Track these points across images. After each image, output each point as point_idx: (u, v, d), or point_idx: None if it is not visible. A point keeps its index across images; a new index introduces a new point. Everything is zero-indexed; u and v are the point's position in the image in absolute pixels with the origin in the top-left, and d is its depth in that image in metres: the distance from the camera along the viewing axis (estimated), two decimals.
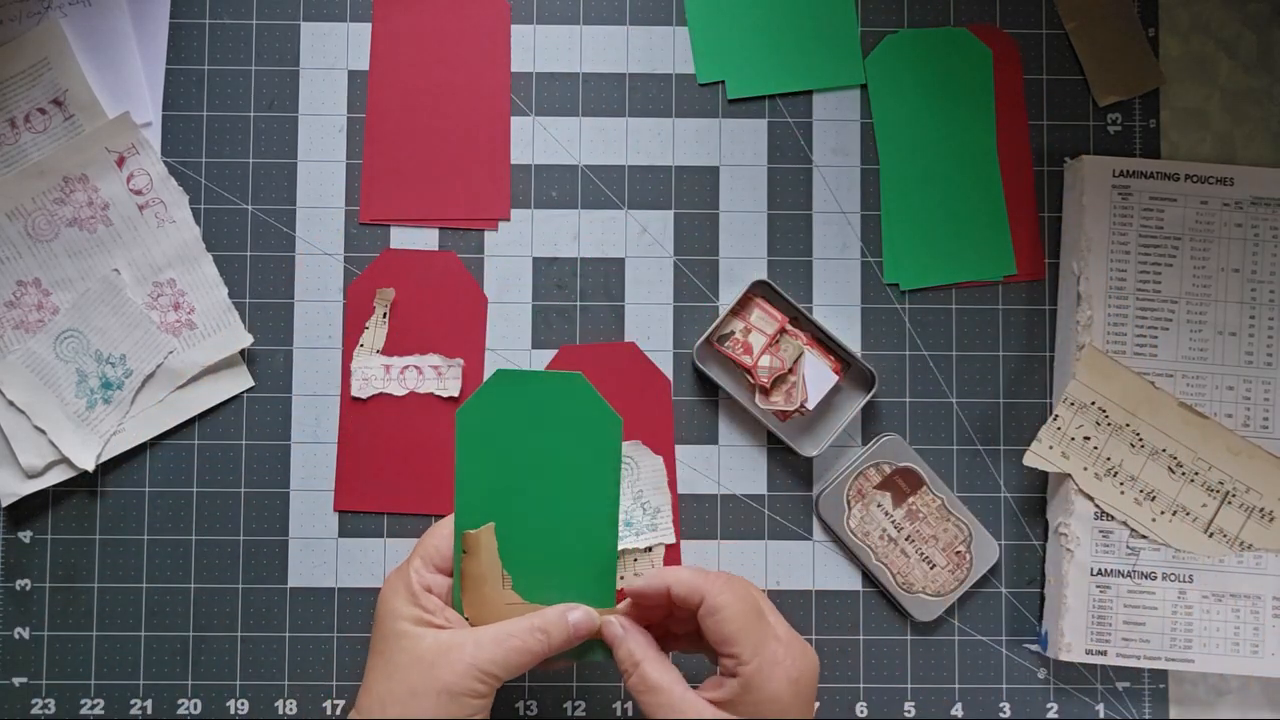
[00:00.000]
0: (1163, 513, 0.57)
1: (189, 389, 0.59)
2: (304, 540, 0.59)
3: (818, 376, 0.57)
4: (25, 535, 0.58)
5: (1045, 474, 0.59)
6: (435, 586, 0.49)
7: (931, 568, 0.58)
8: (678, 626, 0.50)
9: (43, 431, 0.57)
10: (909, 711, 0.59)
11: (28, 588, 0.58)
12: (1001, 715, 0.59)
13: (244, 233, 0.60)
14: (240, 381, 0.59)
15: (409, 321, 0.59)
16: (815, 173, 0.60)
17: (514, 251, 0.60)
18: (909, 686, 0.59)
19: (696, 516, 0.59)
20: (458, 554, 0.49)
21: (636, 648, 0.48)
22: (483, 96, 0.60)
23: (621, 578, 0.58)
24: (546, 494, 0.49)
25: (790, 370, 0.57)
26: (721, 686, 0.47)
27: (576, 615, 0.48)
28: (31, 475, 0.57)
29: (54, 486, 0.58)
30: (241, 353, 0.59)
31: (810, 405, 0.57)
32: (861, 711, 0.59)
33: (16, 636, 0.58)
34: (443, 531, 0.50)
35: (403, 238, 0.60)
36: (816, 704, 0.51)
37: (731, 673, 0.47)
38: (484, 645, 0.46)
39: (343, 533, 0.59)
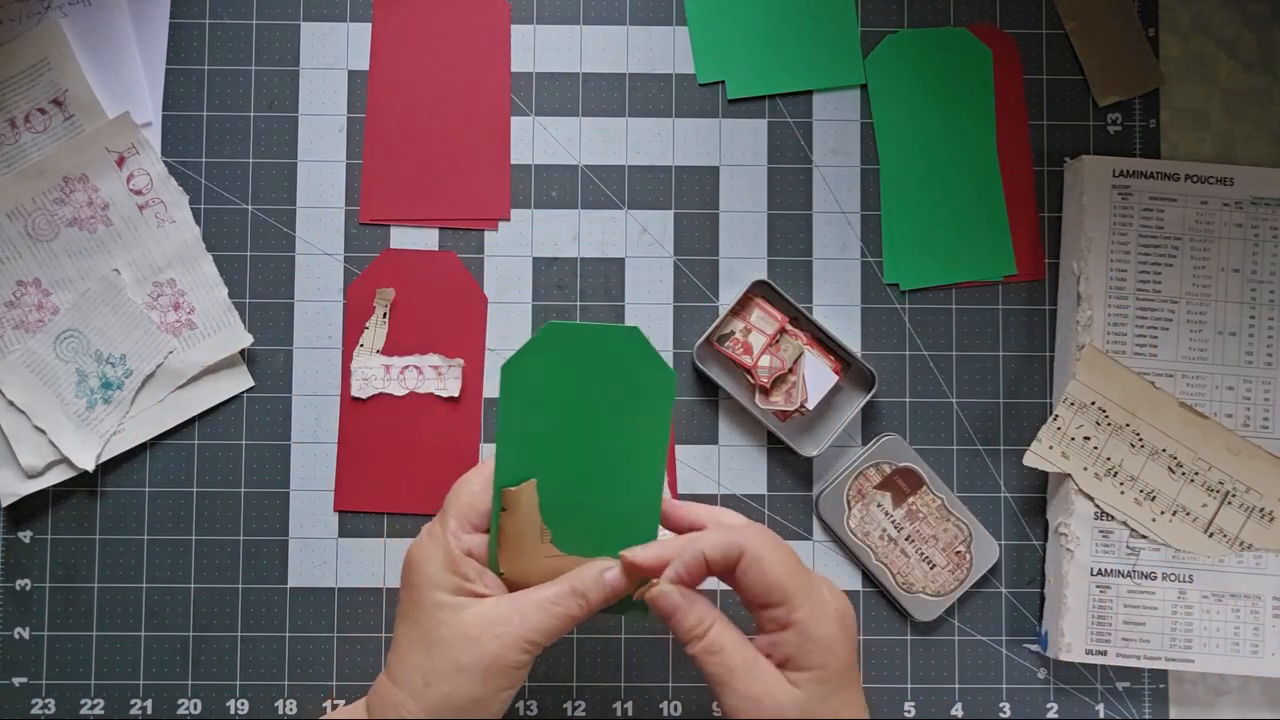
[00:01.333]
0: (1163, 513, 0.57)
1: (189, 389, 0.59)
2: (304, 540, 0.59)
3: (818, 376, 0.57)
4: (25, 535, 0.58)
5: (1045, 474, 0.59)
6: (474, 549, 0.47)
7: (931, 568, 0.58)
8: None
9: (43, 431, 0.57)
10: (909, 711, 0.59)
11: (28, 588, 0.58)
12: (1001, 715, 0.59)
13: (244, 233, 0.60)
14: (240, 381, 0.59)
15: (409, 321, 0.59)
16: (815, 173, 0.60)
17: (514, 251, 0.60)
18: (909, 686, 0.59)
19: None
20: (496, 511, 0.47)
21: (706, 611, 0.45)
22: (483, 96, 0.60)
23: None
24: (592, 449, 0.48)
25: (790, 370, 0.57)
26: (777, 645, 0.44)
27: (612, 575, 0.46)
28: (31, 475, 0.57)
29: (54, 486, 0.58)
30: (241, 353, 0.59)
31: (810, 405, 0.57)
32: None
33: (16, 636, 0.58)
34: (474, 487, 0.48)
35: (403, 238, 0.60)
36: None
37: (783, 624, 0.44)
38: (528, 615, 0.44)
39: (343, 533, 0.59)
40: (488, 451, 0.59)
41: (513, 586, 0.47)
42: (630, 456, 0.48)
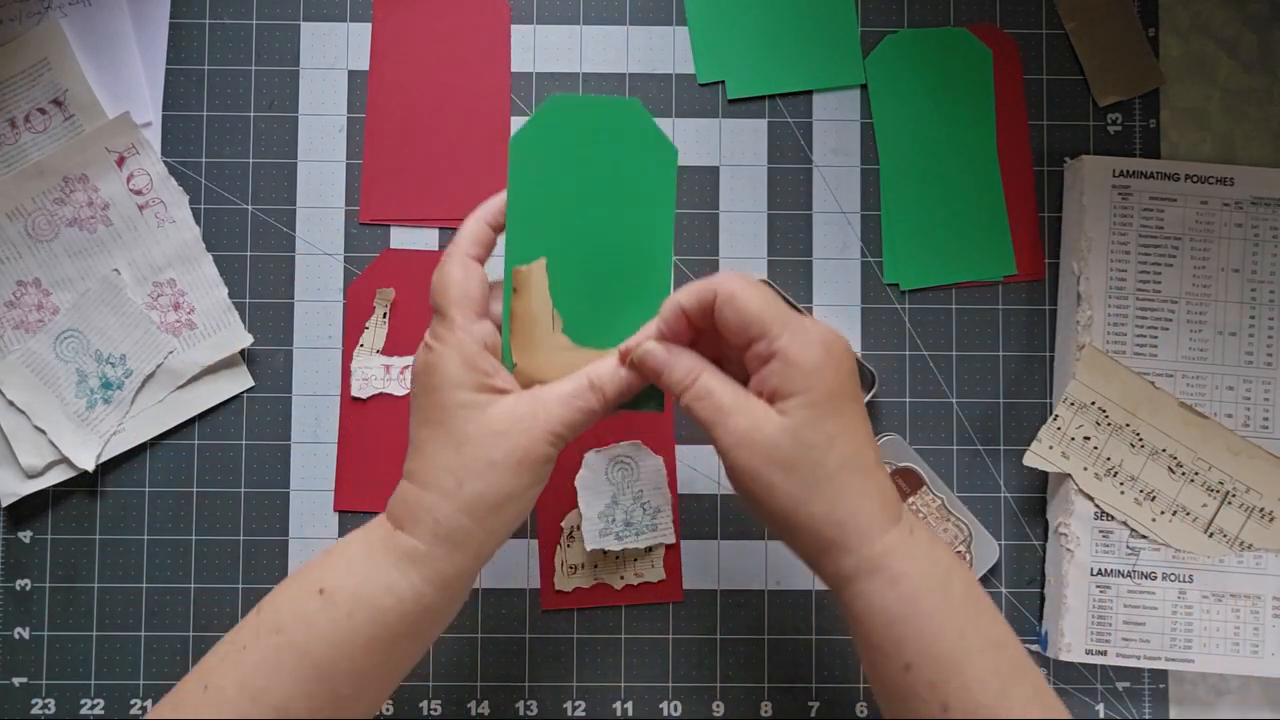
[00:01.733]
0: (1163, 513, 0.57)
1: (189, 389, 0.59)
2: (304, 540, 0.59)
3: None
4: (25, 535, 0.58)
5: (1045, 474, 0.59)
6: (487, 339, 0.45)
7: None
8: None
9: (43, 431, 0.57)
10: None
11: (28, 588, 0.58)
12: None
13: (244, 233, 0.60)
14: (240, 381, 0.59)
15: (409, 321, 0.59)
16: (815, 173, 0.60)
17: None
18: None
19: (696, 516, 0.59)
20: (507, 297, 0.47)
21: (692, 361, 0.45)
22: (483, 96, 0.60)
23: (622, 577, 0.58)
24: (599, 227, 0.47)
25: None
26: (764, 379, 0.43)
27: (627, 370, 0.45)
28: (31, 475, 0.57)
29: (54, 486, 0.58)
30: (242, 353, 0.59)
31: None
32: (862, 711, 0.59)
33: (16, 636, 0.58)
34: (455, 275, 0.45)
35: (403, 238, 0.60)
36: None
37: (766, 357, 0.43)
38: (551, 409, 0.44)
39: (343, 533, 0.59)
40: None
41: (526, 383, 0.46)
42: (637, 236, 0.47)
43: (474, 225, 0.47)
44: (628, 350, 0.45)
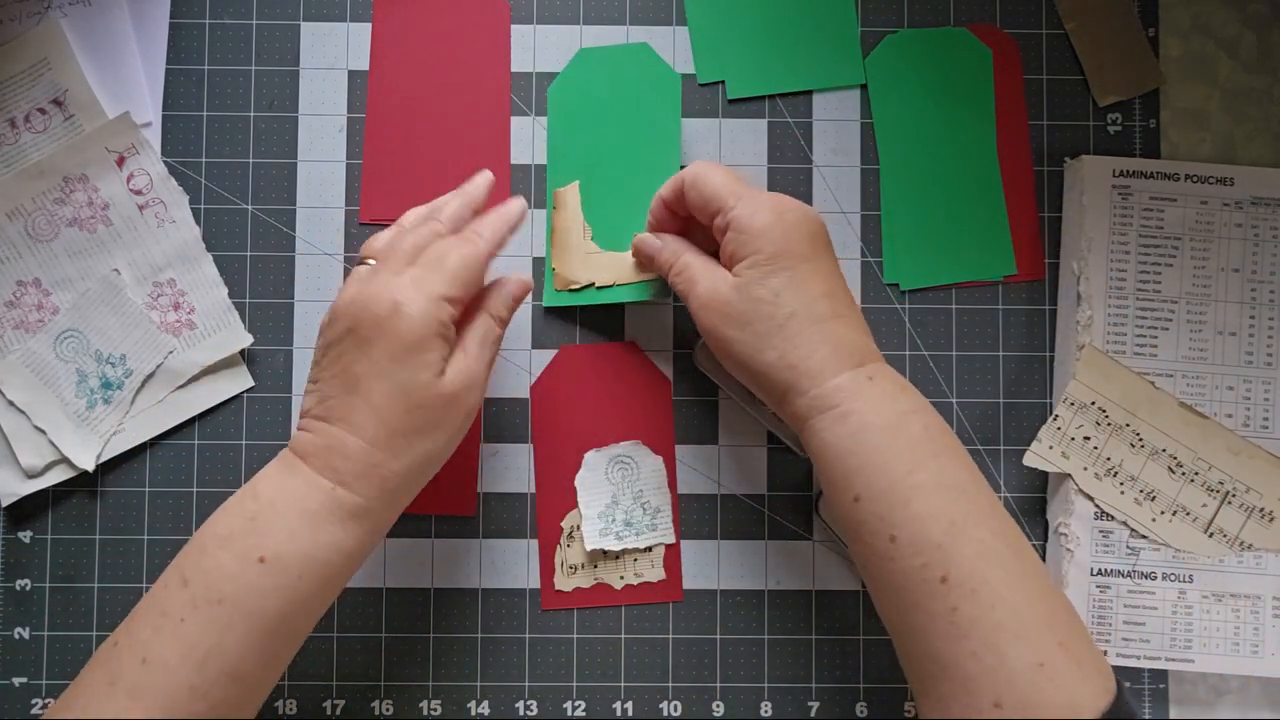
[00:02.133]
0: (1163, 513, 0.57)
1: (189, 389, 0.59)
2: None
3: None
4: (25, 535, 0.58)
5: (1045, 474, 0.59)
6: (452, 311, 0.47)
7: None
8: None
9: (43, 431, 0.57)
10: (909, 711, 0.59)
11: (28, 588, 0.58)
12: None
13: (244, 233, 0.60)
14: (240, 381, 0.59)
15: None
16: (815, 173, 0.60)
17: (514, 251, 0.60)
18: (909, 686, 0.59)
19: (696, 516, 0.59)
20: (549, 211, 0.58)
21: (676, 244, 0.52)
22: (483, 96, 0.60)
23: (621, 577, 0.58)
24: (621, 152, 0.58)
25: None
26: (725, 248, 0.49)
27: (511, 284, 0.52)
28: (31, 475, 0.57)
29: (54, 486, 0.58)
30: (242, 353, 0.59)
31: None
32: (862, 711, 0.59)
33: (16, 636, 0.58)
34: (471, 268, 0.48)
35: None
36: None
37: (724, 228, 0.49)
38: (483, 356, 0.48)
39: None
40: (488, 452, 0.59)
41: (563, 285, 0.58)
42: (651, 154, 0.58)
43: (459, 208, 0.51)
44: (635, 242, 0.54)
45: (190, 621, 0.43)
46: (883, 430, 0.45)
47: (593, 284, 0.58)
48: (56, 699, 0.45)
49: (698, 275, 0.50)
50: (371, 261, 0.48)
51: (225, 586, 0.43)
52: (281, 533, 0.44)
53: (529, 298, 0.60)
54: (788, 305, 0.46)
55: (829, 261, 0.49)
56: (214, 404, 0.59)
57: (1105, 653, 0.57)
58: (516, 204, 0.52)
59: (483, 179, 0.53)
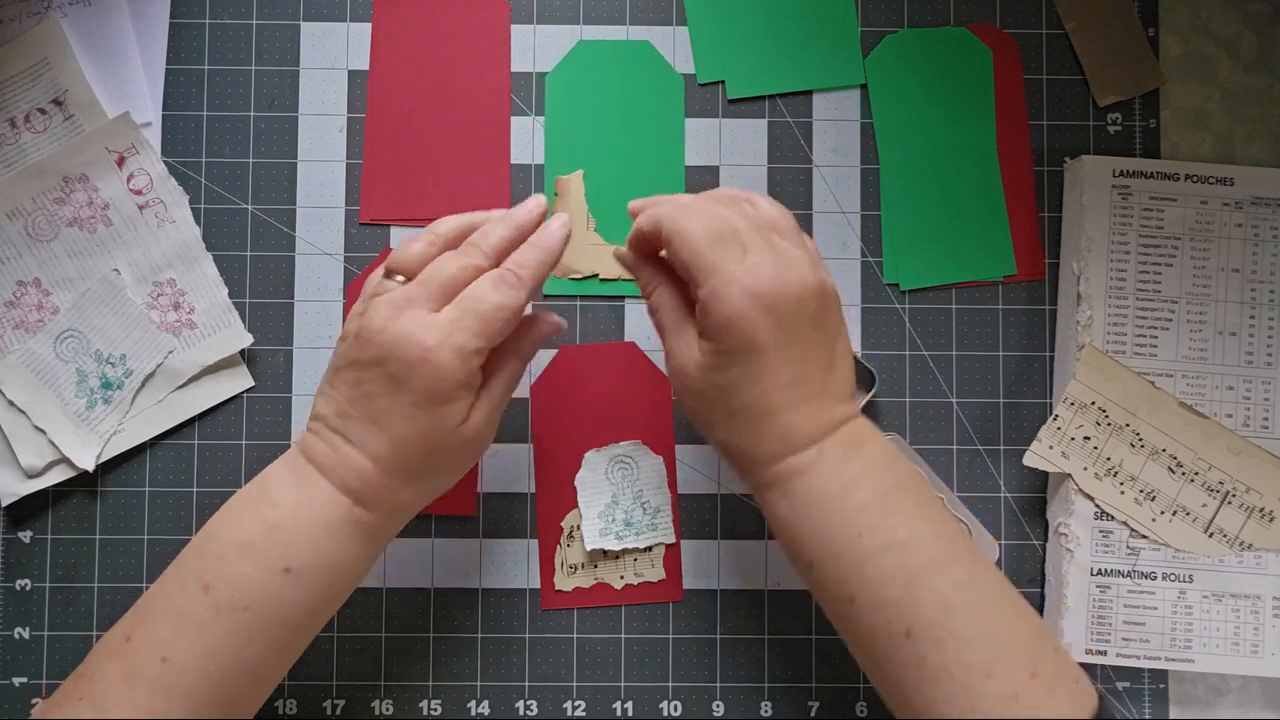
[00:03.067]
0: (1163, 513, 0.57)
1: (189, 389, 0.59)
2: None
3: None
4: (25, 535, 0.58)
5: (1045, 474, 0.59)
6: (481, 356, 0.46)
7: None
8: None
9: (43, 431, 0.57)
10: None
11: (28, 588, 0.58)
12: None
13: (244, 233, 0.60)
14: (240, 381, 0.59)
15: None
16: (815, 173, 0.60)
17: None
18: None
19: (696, 516, 0.59)
20: (550, 199, 0.58)
21: (650, 274, 0.49)
22: (483, 96, 0.60)
23: (622, 577, 0.58)
24: (623, 150, 0.59)
25: None
26: (699, 312, 0.45)
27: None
28: (31, 475, 0.57)
29: (54, 486, 0.58)
30: (241, 353, 0.59)
31: None
32: (862, 711, 0.59)
33: (16, 636, 0.58)
34: (508, 319, 0.46)
35: (403, 238, 0.60)
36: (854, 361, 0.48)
37: (696, 296, 0.45)
38: (500, 395, 0.48)
39: None
40: (488, 451, 0.59)
41: (561, 269, 0.58)
42: (654, 150, 0.59)
43: (502, 240, 0.48)
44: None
45: (213, 626, 0.44)
46: (828, 500, 0.44)
47: (596, 275, 0.58)
48: (58, 688, 0.45)
49: (668, 326, 0.47)
50: (400, 279, 0.47)
51: (250, 595, 0.44)
52: (305, 545, 0.45)
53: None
54: (741, 396, 0.44)
55: (812, 338, 0.45)
56: (214, 404, 0.59)
57: (1105, 653, 0.57)
58: (558, 228, 0.48)
59: (535, 205, 0.49)
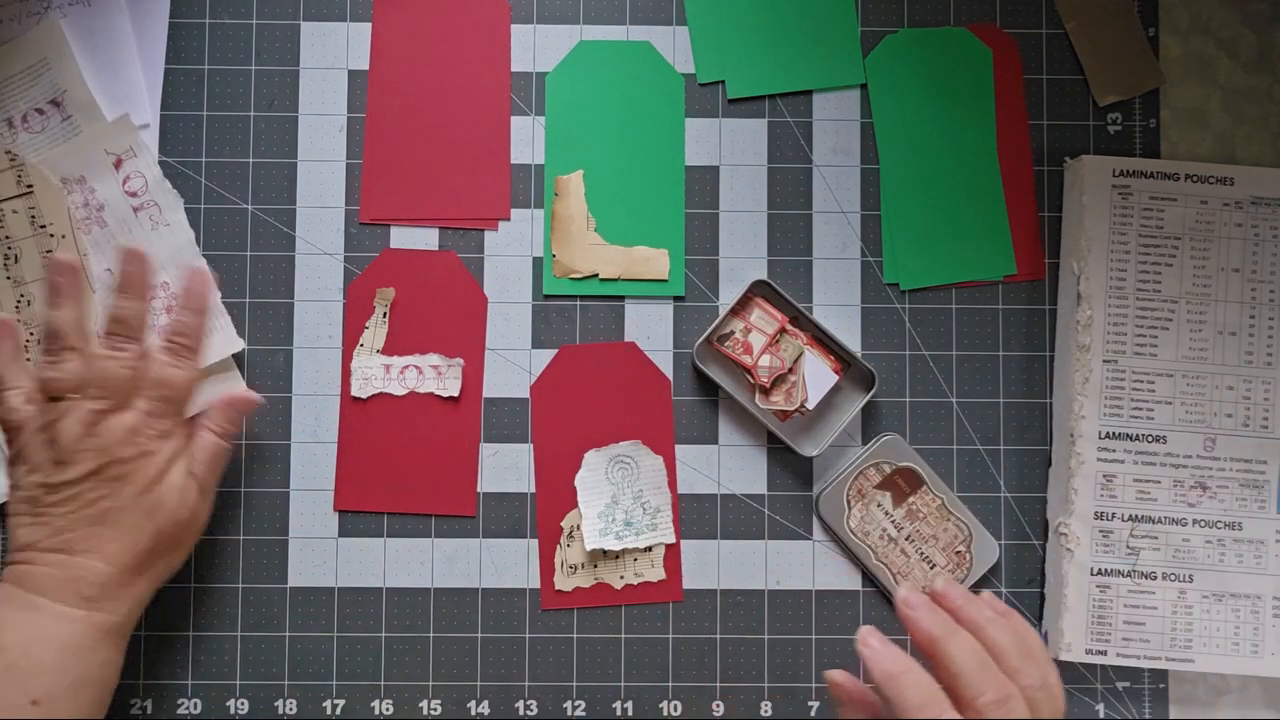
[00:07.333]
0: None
1: None
2: (304, 540, 0.59)
3: (818, 376, 0.57)
4: None
5: (1045, 474, 0.59)
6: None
7: (931, 567, 0.58)
8: None
9: None
10: None
11: None
12: None
13: (244, 233, 0.59)
14: (232, 385, 0.59)
15: (409, 321, 0.59)
16: (815, 173, 0.60)
17: (514, 251, 0.60)
18: None
19: (696, 516, 0.59)
20: (549, 198, 0.58)
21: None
22: (483, 96, 0.60)
23: (622, 577, 0.58)
24: (623, 150, 0.59)
25: (790, 370, 0.57)
26: None
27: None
28: None
29: None
30: (240, 354, 0.59)
31: (810, 405, 0.57)
32: None
33: None
34: (192, 390, 0.54)
35: (403, 238, 0.60)
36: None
37: None
38: (209, 480, 0.54)
39: (343, 532, 0.59)
40: (488, 451, 0.59)
41: (563, 273, 0.59)
42: (654, 151, 0.59)
43: (137, 316, 0.54)
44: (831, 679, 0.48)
45: None
46: None
47: (596, 275, 0.58)
48: None
49: None
50: (74, 397, 0.50)
51: None
52: (48, 674, 0.47)
53: (528, 293, 0.60)
54: None
55: None
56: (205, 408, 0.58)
57: (1105, 652, 0.57)
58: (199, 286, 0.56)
59: (139, 272, 0.54)
